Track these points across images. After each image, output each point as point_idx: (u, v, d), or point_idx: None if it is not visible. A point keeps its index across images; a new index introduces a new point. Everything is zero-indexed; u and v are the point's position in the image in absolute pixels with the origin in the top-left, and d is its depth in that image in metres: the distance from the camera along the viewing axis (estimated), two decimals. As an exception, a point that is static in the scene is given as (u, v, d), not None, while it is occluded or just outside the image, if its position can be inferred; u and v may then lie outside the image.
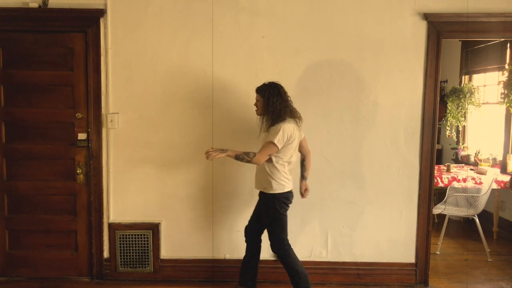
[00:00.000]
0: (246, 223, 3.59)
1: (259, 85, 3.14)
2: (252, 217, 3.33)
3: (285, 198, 3.12)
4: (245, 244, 3.35)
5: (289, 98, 3.11)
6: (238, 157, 3.04)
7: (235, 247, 3.61)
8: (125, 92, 3.51)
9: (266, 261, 3.62)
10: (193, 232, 3.60)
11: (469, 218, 4.97)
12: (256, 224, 3.30)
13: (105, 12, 3.43)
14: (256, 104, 3.13)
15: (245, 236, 3.35)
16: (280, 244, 3.17)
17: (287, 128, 2.98)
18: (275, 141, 2.95)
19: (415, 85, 3.47)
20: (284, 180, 3.08)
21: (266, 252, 3.63)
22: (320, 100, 3.50)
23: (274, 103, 3.02)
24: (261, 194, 3.16)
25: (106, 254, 3.65)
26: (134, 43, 3.47)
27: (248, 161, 3.03)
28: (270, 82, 3.11)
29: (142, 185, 3.59)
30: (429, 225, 3.57)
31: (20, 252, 3.67)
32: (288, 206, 3.16)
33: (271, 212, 3.12)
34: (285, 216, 3.15)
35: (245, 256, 3.36)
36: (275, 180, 3.06)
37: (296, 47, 3.46)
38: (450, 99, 5.55)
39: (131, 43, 3.47)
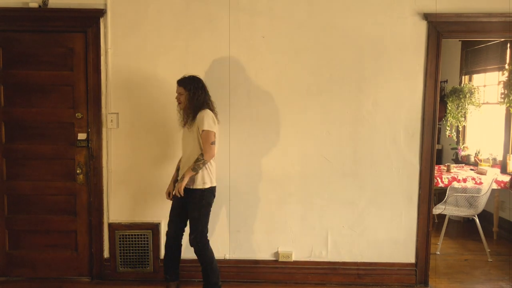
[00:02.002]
0: (246, 222, 3.60)
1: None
2: (174, 220, 3.22)
3: (214, 191, 3.15)
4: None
5: (208, 92, 3.14)
6: (195, 169, 3.00)
7: (234, 247, 3.61)
8: (125, 92, 3.51)
9: (266, 261, 3.62)
10: (193, 232, 3.59)
11: (469, 218, 4.98)
12: (180, 225, 3.24)
13: (105, 12, 3.43)
14: (178, 98, 3.09)
15: (172, 240, 3.24)
16: (202, 237, 3.12)
17: (209, 113, 3.02)
18: (208, 128, 2.97)
19: (415, 85, 3.47)
20: (214, 174, 3.13)
21: (265, 252, 3.64)
22: (320, 100, 3.50)
23: (199, 96, 3.04)
24: (191, 190, 3.07)
25: (106, 254, 3.65)
26: (134, 43, 3.47)
27: (204, 163, 3.00)
28: (192, 76, 3.10)
29: (142, 185, 3.59)
30: (429, 225, 3.57)
31: (20, 252, 3.67)
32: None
33: (203, 206, 3.09)
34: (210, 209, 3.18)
35: (168, 257, 3.28)
36: (210, 174, 3.09)
37: (296, 47, 3.46)
38: (450, 99, 5.55)
39: (131, 43, 3.47)
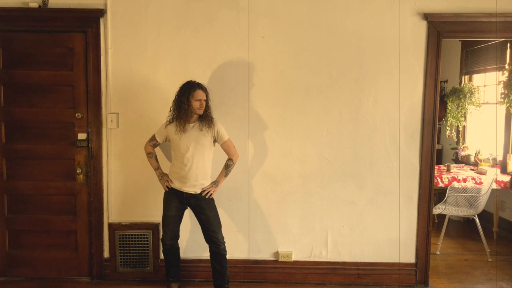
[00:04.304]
0: (246, 222, 3.60)
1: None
2: (172, 226, 3.22)
3: None
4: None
5: None
6: (227, 174, 3.21)
7: (235, 247, 3.61)
8: (125, 92, 3.51)
9: (266, 261, 3.62)
10: (193, 232, 3.59)
11: (469, 218, 4.98)
12: (177, 230, 3.26)
13: (105, 12, 3.43)
14: (203, 104, 3.05)
15: (169, 246, 3.25)
16: (223, 239, 3.20)
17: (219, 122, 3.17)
18: (228, 135, 3.16)
19: (415, 85, 3.47)
20: None
21: (265, 252, 3.64)
22: (320, 100, 3.50)
23: (208, 101, 3.13)
24: (202, 196, 3.13)
25: (106, 254, 3.65)
26: (134, 43, 3.47)
27: (233, 166, 3.20)
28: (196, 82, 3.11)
29: (142, 185, 3.59)
30: (429, 225, 3.57)
31: (20, 252, 3.67)
32: None
33: (214, 209, 3.18)
34: None
35: (166, 256, 3.31)
36: (211, 177, 3.20)
37: (296, 47, 3.46)
38: (450, 99, 5.55)
39: (131, 43, 3.47)
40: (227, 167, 3.19)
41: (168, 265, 3.32)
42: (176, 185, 3.14)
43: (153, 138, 3.25)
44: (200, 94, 3.04)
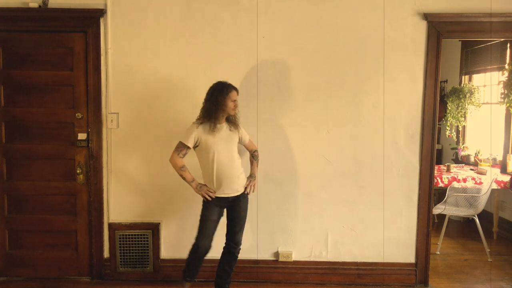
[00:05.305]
0: (246, 222, 3.59)
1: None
2: (212, 232, 3.14)
3: None
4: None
5: None
6: (258, 164, 3.29)
7: (235, 247, 3.61)
8: (125, 92, 3.51)
9: (266, 261, 3.63)
10: (193, 232, 3.58)
11: (469, 218, 4.98)
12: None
13: (105, 12, 3.43)
14: (236, 104, 3.06)
15: (205, 251, 3.16)
16: (241, 241, 3.21)
17: None
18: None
19: (415, 85, 3.47)
20: None
21: (266, 252, 3.64)
22: (320, 100, 3.50)
23: None
24: (241, 195, 3.12)
25: (106, 254, 3.65)
26: (134, 43, 3.47)
27: (258, 155, 3.31)
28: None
29: (142, 185, 3.59)
30: (429, 225, 3.57)
31: (20, 252, 3.67)
32: None
33: (247, 209, 3.18)
34: None
35: (197, 258, 3.21)
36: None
37: (296, 47, 3.46)
38: (450, 99, 5.55)
39: (131, 43, 3.47)
40: (256, 158, 3.26)
41: (193, 265, 3.21)
42: (221, 192, 3.06)
43: (181, 146, 3.02)
44: (235, 94, 3.05)
